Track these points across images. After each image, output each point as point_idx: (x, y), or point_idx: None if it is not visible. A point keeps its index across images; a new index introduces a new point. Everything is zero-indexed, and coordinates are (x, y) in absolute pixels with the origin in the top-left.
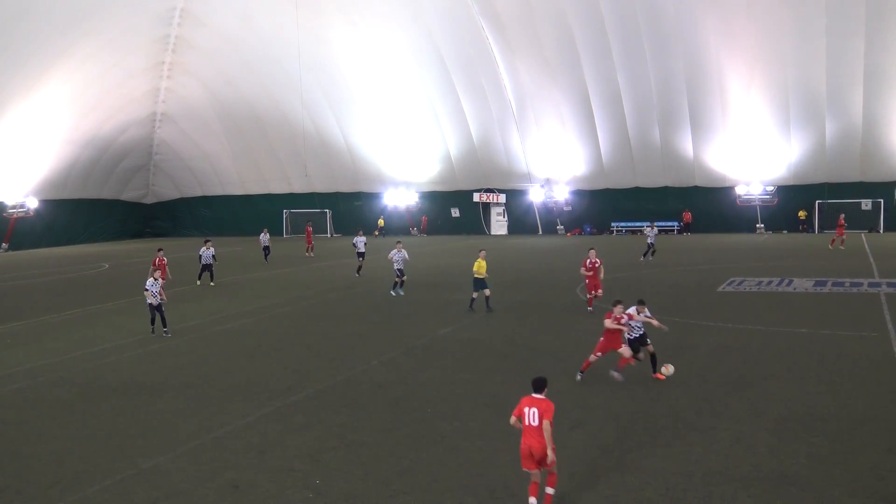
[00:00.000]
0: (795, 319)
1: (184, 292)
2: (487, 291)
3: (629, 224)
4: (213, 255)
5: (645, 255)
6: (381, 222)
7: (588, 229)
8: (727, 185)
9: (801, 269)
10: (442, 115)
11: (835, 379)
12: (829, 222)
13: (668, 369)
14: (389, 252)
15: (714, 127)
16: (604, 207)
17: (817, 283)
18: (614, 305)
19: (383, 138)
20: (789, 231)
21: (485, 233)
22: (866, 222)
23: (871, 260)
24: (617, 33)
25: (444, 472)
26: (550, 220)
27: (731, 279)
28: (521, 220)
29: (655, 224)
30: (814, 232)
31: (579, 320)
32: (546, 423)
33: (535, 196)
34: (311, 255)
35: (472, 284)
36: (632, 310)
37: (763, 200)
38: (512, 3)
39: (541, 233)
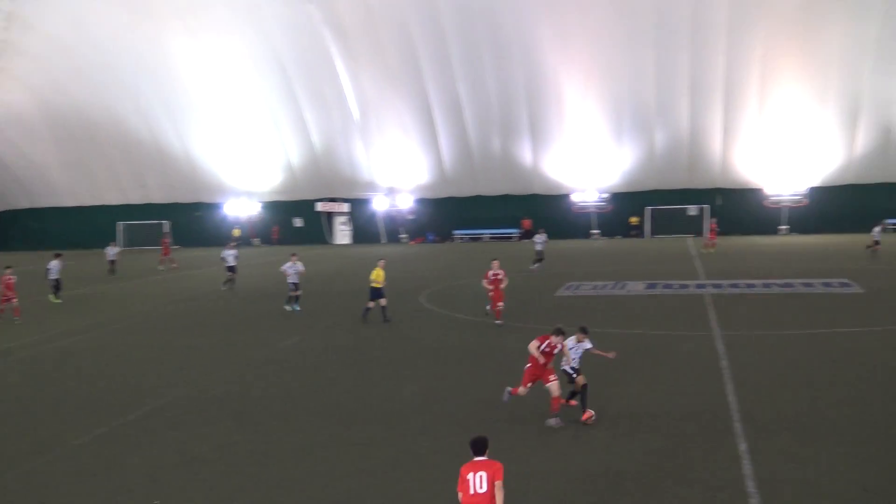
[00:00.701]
0: (630, 321)
1: (26, 309)
2: (383, 301)
3: (471, 232)
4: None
5: (535, 262)
6: (236, 232)
7: (431, 237)
8: (564, 192)
9: (634, 272)
10: (283, 124)
11: (666, 377)
12: (659, 228)
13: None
14: (283, 265)
15: (552, 136)
16: (446, 215)
17: (649, 286)
18: (556, 334)
19: (224, 147)
20: (622, 236)
21: (328, 242)
22: (692, 227)
23: (697, 263)
24: (457, 43)
25: (289, 486)
26: (394, 228)
27: (569, 284)
28: (364, 229)
29: (543, 230)
30: (644, 237)
31: (425, 327)
32: (498, 484)
33: (379, 205)
34: (164, 267)
35: (369, 293)
36: (569, 340)
37: (598, 207)
38: (354, 11)
39: (384, 241)
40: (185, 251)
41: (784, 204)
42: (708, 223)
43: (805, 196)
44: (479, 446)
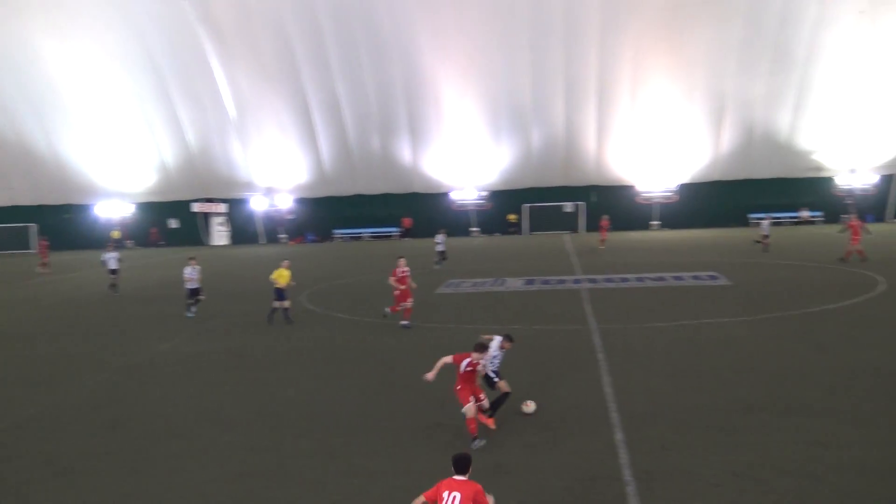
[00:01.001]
0: (509, 316)
1: None
2: (287, 303)
3: (351, 231)
4: None
5: (436, 262)
6: (115, 234)
7: (310, 237)
8: (444, 190)
9: (513, 269)
10: (157, 123)
11: (544, 370)
12: (536, 225)
13: (528, 406)
14: (184, 269)
15: (431, 135)
16: (326, 215)
17: (527, 282)
18: (477, 350)
19: (94, 147)
20: (501, 234)
21: (205, 243)
22: (569, 223)
23: (574, 259)
24: (335, 43)
25: (169, 494)
26: (273, 228)
27: (449, 281)
28: (243, 230)
29: (443, 231)
30: (522, 234)
31: (306, 328)
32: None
33: (257, 205)
34: (44, 270)
35: (273, 294)
36: (493, 346)
37: (477, 205)
38: (229, 10)
39: (263, 242)
40: (56, 255)
41: (655, 200)
42: (583, 220)
43: (675, 192)
44: (461, 465)
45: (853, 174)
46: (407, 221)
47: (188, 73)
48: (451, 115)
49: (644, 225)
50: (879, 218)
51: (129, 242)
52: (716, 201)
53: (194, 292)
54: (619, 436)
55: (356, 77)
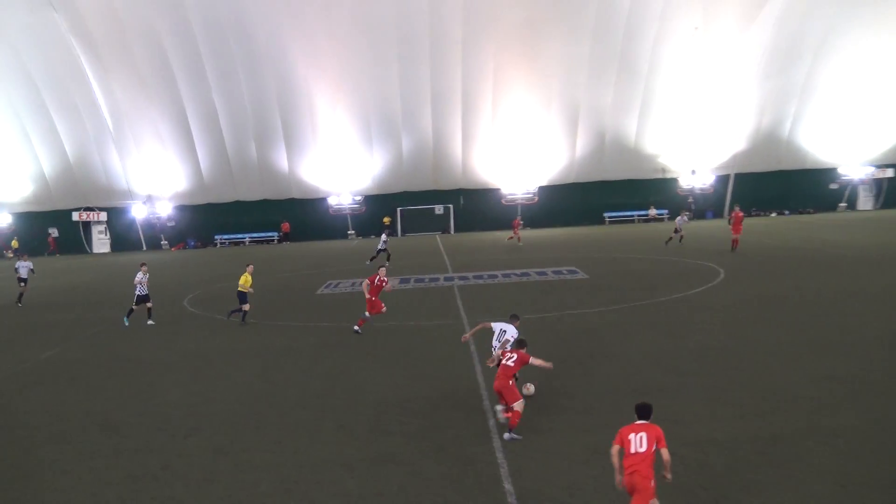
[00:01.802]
0: (387, 314)
1: None
2: (246, 307)
3: (232, 236)
4: None
5: (372, 259)
6: (14, 243)
7: (192, 243)
8: (321, 196)
9: (388, 269)
10: (33, 134)
11: (421, 364)
12: (409, 226)
13: (529, 389)
14: (136, 275)
15: (306, 143)
16: (206, 221)
17: (402, 280)
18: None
19: None
20: (376, 235)
21: (87, 251)
22: (440, 225)
23: (445, 257)
24: (211, 55)
25: (58, 498)
26: (154, 235)
27: (329, 282)
28: (124, 237)
29: (387, 231)
30: (397, 235)
31: (189, 330)
32: (664, 451)
33: (138, 212)
34: None
35: (238, 297)
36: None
37: (353, 209)
38: (102, 22)
39: (144, 248)
40: None
41: (518, 201)
42: (452, 221)
43: (535, 194)
44: (643, 411)
45: (694, 175)
46: (285, 226)
47: (63, 85)
48: (326, 124)
49: (508, 225)
50: (718, 214)
51: (8, 252)
52: (573, 202)
53: (143, 298)
54: (491, 422)
55: (232, 88)
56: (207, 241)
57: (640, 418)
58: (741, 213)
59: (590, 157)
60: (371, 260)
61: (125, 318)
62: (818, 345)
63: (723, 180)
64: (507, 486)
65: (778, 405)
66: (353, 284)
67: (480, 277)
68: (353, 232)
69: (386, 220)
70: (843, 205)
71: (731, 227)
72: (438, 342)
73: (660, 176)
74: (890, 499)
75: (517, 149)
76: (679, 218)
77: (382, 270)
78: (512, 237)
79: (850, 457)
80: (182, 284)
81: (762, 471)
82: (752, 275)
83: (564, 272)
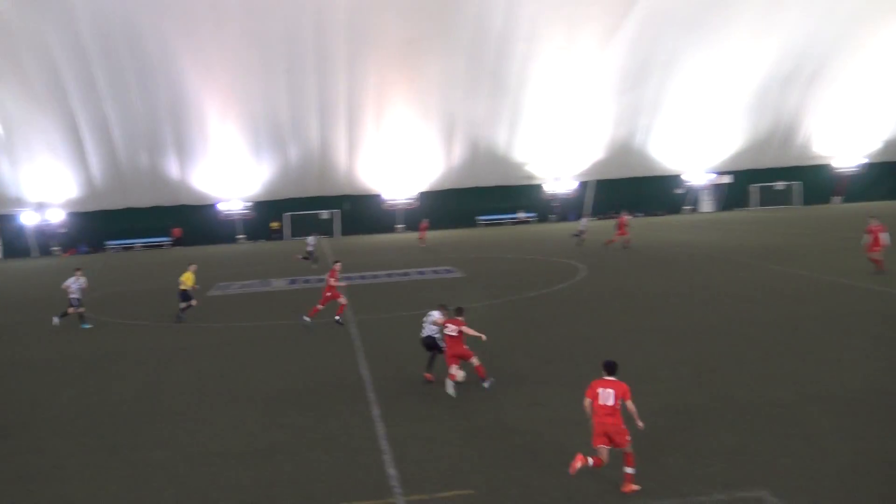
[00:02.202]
0: (276, 313)
1: None
2: (194, 302)
3: (123, 242)
4: None
5: (304, 258)
6: None
7: (83, 249)
8: (211, 202)
9: (277, 271)
10: None
11: (310, 358)
12: (297, 230)
13: (457, 375)
14: (67, 280)
15: (197, 151)
16: (98, 227)
17: (291, 282)
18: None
19: None
20: (265, 240)
21: None
22: (326, 228)
23: (331, 259)
24: (102, 65)
25: None
26: (45, 242)
27: (219, 284)
28: (13, 244)
29: (315, 233)
30: (284, 239)
31: (81, 333)
32: (629, 403)
33: (28, 219)
34: None
35: (180, 295)
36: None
37: (242, 214)
38: None
39: (36, 255)
40: None
41: (399, 206)
42: (338, 225)
43: (415, 199)
44: (610, 368)
45: (558, 181)
46: (177, 231)
47: None
48: (216, 133)
49: (391, 228)
50: (578, 216)
51: None
52: (449, 206)
53: (76, 303)
54: (376, 411)
55: (124, 98)
56: (99, 247)
57: (607, 375)
58: (626, 217)
59: (464, 165)
60: (304, 259)
61: (57, 319)
62: (669, 332)
63: (583, 186)
64: (392, 471)
65: (635, 387)
66: (243, 286)
67: (364, 278)
68: (242, 236)
69: (274, 224)
70: (687, 207)
71: (616, 230)
72: (326, 339)
73: (527, 182)
74: (731, 464)
75: (398, 157)
76: (582, 220)
77: (338, 265)
78: (421, 238)
79: (698, 432)
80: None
81: None
82: (609, 271)
83: (442, 271)
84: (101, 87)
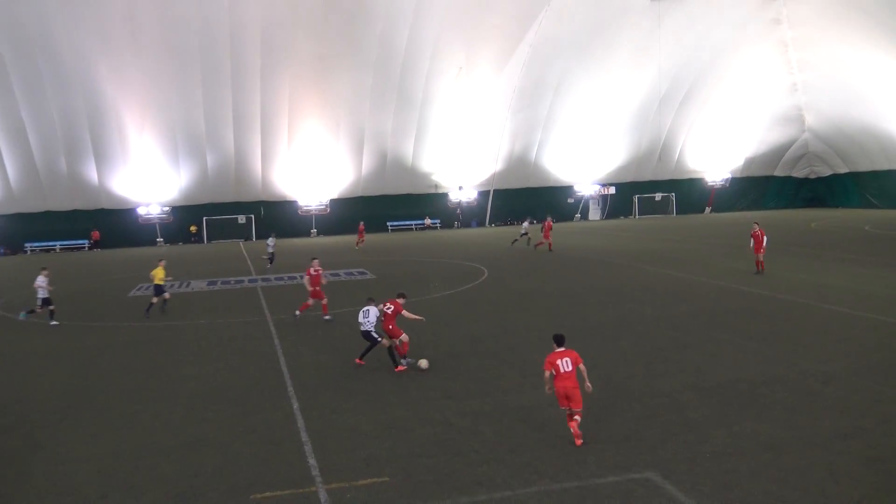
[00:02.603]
0: (196, 313)
1: None
2: (167, 295)
3: (43, 244)
4: None
5: (268, 261)
6: None
7: (1, 250)
8: (130, 206)
9: (197, 272)
10: None
11: (230, 357)
12: (215, 234)
13: (423, 363)
14: (37, 279)
15: (115, 158)
16: (16, 230)
17: (210, 283)
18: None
19: None
20: (184, 243)
21: None
22: (243, 232)
23: (249, 262)
24: (17, 72)
25: None
26: None
27: (140, 285)
28: None
29: (273, 234)
30: (203, 243)
31: (3, 334)
32: (581, 367)
33: None
34: None
35: (153, 290)
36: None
37: (161, 219)
38: None
39: None
40: None
41: (313, 212)
42: (254, 229)
43: (327, 206)
44: (560, 339)
45: (461, 190)
46: (95, 234)
47: None
48: (134, 140)
49: (305, 232)
50: (481, 223)
51: None
52: (360, 212)
53: (46, 301)
54: (296, 405)
55: (40, 105)
56: (17, 249)
57: (558, 346)
58: (551, 222)
59: (374, 174)
60: (269, 262)
61: (23, 314)
62: (564, 329)
63: (484, 195)
64: (312, 461)
65: (534, 381)
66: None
67: (281, 279)
68: (161, 239)
69: (192, 228)
70: (577, 215)
71: (542, 233)
72: (246, 337)
73: (433, 191)
74: (623, 449)
75: (311, 166)
76: (524, 223)
77: (316, 262)
78: (359, 242)
79: (593, 421)
80: None
81: (523, 434)
82: (509, 273)
83: (355, 273)
84: (16, 92)
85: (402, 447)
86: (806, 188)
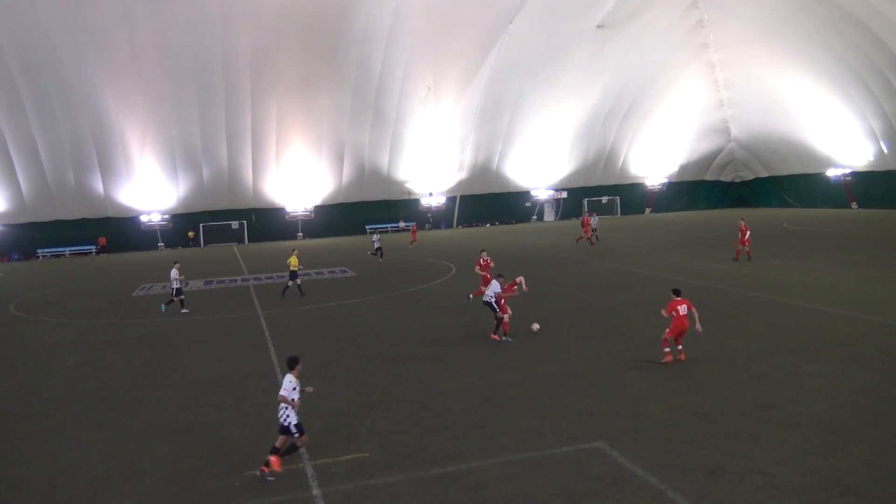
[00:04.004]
0: (195, 310)
1: None
2: (299, 280)
3: (53, 250)
4: None
5: (373, 253)
6: None
7: (15, 256)
8: (134, 214)
9: (195, 272)
10: None
11: (225, 348)
12: (211, 238)
13: (534, 327)
14: (171, 272)
15: (119, 171)
16: (29, 237)
17: (206, 283)
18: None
19: None
20: (182, 247)
21: None
22: (236, 237)
23: (242, 263)
24: (29, 95)
25: None
26: None
27: (143, 286)
28: None
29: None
30: (200, 246)
31: (13, 331)
32: (693, 311)
33: None
34: None
35: (288, 275)
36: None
37: (162, 225)
38: None
39: None
40: None
41: (299, 217)
42: (246, 234)
43: (312, 212)
44: (678, 291)
45: (431, 196)
46: (102, 240)
47: None
48: (136, 155)
49: (293, 236)
50: (449, 225)
51: None
52: (341, 217)
53: (178, 291)
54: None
55: (51, 125)
56: (30, 254)
57: (675, 296)
58: (588, 219)
59: (353, 183)
60: (373, 255)
61: (163, 306)
62: (526, 317)
63: (452, 200)
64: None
65: (496, 362)
66: (165, 287)
67: (271, 278)
68: (162, 244)
69: (190, 234)
70: (534, 217)
71: (582, 229)
72: (240, 330)
73: (406, 197)
74: (575, 422)
75: (297, 176)
76: (594, 218)
77: (484, 253)
78: (412, 241)
79: (548, 397)
80: (5, 292)
81: (487, 411)
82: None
83: (338, 271)
84: (28, 114)
85: (380, 425)
86: (732, 191)
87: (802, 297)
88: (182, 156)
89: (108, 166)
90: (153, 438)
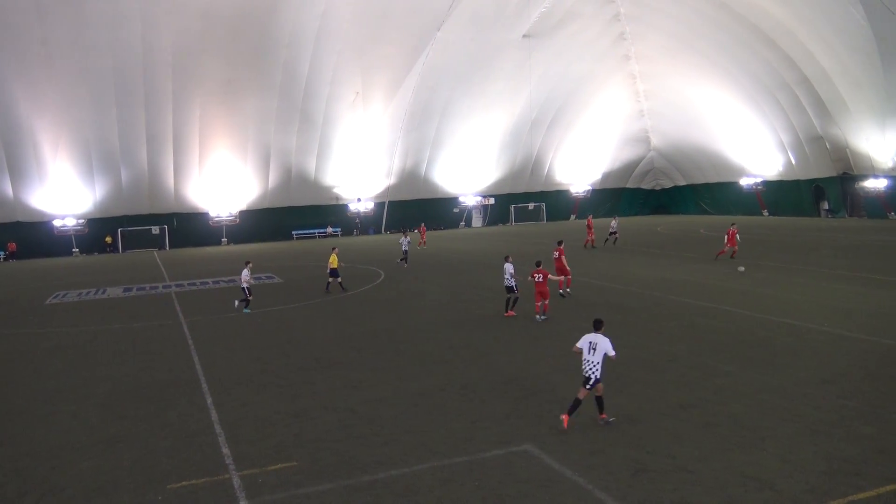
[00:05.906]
0: (113, 318)
1: None
2: (339, 278)
3: None
4: None
5: (402, 260)
6: None
7: None
8: (46, 219)
9: (113, 280)
10: None
11: (145, 357)
12: (130, 244)
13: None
14: (242, 273)
15: (31, 174)
16: None
17: (125, 290)
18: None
19: None
20: (99, 252)
21: None
22: (157, 242)
23: (163, 269)
24: None
25: None
26: None
27: (57, 293)
28: None
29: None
30: (118, 252)
31: None
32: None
33: None
34: None
35: (329, 273)
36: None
37: (77, 230)
38: None
39: None
40: None
41: (223, 222)
42: (167, 239)
43: (237, 217)
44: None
45: (360, 202)
46: (12, 246)
47: None
48: (49, 158)
49: (217, 241)
50: (378, 231)
51: None
52: (268, 222)
53: (248, 291)
54: (209, 400)
55: None
56: None
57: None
58: (591, 220)
59: (280, 188)
60: (401, 260)
61: (245, 309)
62: (452, 323)
63: (380, 205)
64: (226, 450)
65: (426, 368)
66: (80, 294)
67: (194, 284)
68: (76, 250)
69: (108, 238)
70: (462, 223)
71: (588, 231)
72: (160, 339)
73: (334, 202)
74: (504, 427)
75: (221, 180)
76: (613, 221)
77: (561, 247)
78: (421, 242)
79: (478, 403)
80: None
81: (417, 417)
82: (404, 275)
83: (264, 277)
84: None
85: (308, 433)
86: (653, 198)
87: (719, 300)
88: (99, 158)
89: (18, 168)
90: (70, 453)
